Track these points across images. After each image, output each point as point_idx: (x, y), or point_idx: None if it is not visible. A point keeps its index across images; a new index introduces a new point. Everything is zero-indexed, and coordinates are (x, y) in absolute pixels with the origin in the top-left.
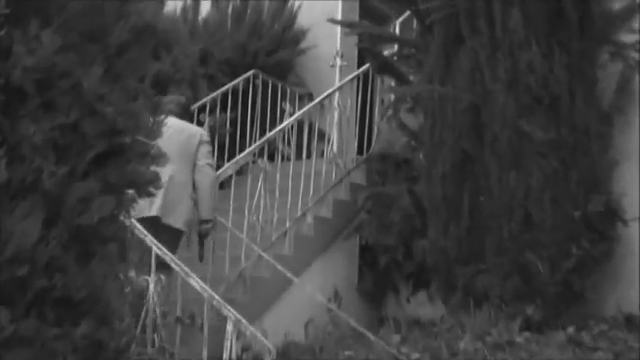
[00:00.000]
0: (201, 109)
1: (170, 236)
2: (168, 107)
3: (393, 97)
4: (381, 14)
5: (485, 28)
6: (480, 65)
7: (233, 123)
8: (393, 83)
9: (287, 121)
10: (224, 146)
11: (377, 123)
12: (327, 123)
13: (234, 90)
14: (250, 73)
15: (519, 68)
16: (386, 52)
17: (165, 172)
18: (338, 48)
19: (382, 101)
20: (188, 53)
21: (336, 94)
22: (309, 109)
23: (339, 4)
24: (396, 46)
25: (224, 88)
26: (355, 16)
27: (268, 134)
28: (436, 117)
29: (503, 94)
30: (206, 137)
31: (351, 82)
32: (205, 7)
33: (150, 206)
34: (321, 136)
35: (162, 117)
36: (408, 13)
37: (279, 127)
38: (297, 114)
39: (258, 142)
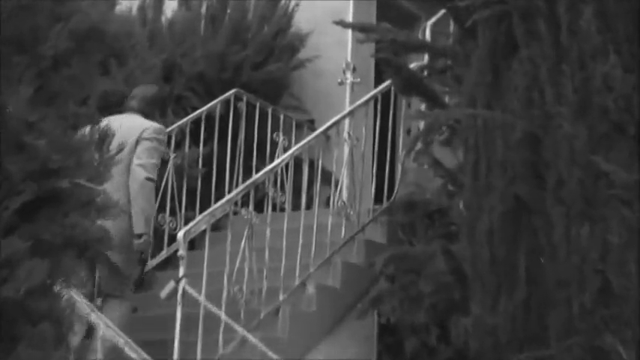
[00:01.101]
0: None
1: (102, 262)
2: (129, 103)
3: (422, 125)
4: (406, 15)
5: (547, 32)
6: (539, 82)
7: (208, 160)
8: (422, 107)
9: (280, 158)
10: (195, 191)
11: (401, 160)
12: (334, 160)
13: (210, 116)
14: (231, 93)
15: (593, 85)
16: (413, 65)
17: None
18: (348, 59)
19: (408, 131)
20: (148, 66)
21: (346, 122)
22: (309, 142)
23: (351, 1)
24: (426, 57)
25: (195, 114)
26: (372, 18)
27: (255, 176)
28: (481, 151)
29: (571, 121)
30: (151, 133)
31: (366, 105)
32: (171, 5)
33: None
34: (326, 178)
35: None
36: (441, 12)
37: (269, 167)
38: (294, 148)
39: (241, 187)
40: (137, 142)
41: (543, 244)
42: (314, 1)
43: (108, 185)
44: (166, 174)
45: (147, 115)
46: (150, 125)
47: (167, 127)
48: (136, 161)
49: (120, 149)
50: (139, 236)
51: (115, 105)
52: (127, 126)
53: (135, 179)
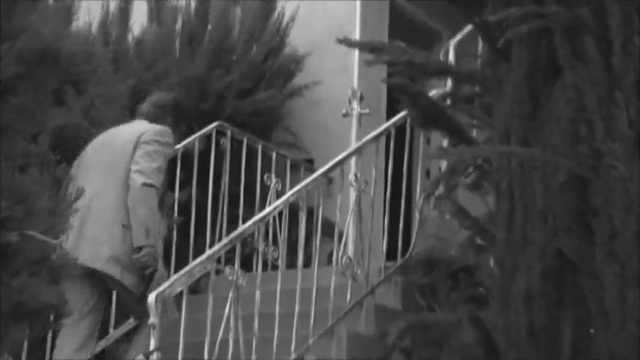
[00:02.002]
0: None
1: (114, 286)
2: (140, 109)
3: (444, 165)
4: (424, 32)
5: (596, 52)
6: (586, 112)
7: (184, 208)
8: (445, 143)
9: (272, 206)
10: (170, 246)
11: (419, 208)
12: (338, 208)
13: (187, 154)
14: (212, 126)
15: None
16: (433, 93)
17: (87, 195)
18: (355, 86)
19: (427, 172)
20: (111, 94)
21: (352, 162)
22: (307, 186)
23: (357, 14)
24: (449, 83)
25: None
26: (383, 35)
27: (242, 227)
28: (516, 198)
29: (626, 160)
30: (151, 135)
31: (376, 141)
32: (139, 21)
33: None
34: (329, 229)
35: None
36: (468, 29)
37: (259, 216)
38: (289, 193)
39: (225, 240)
40: (135, 148)
41: (593, 310)
42: (313, 15)
43: (106, 198)
44: None
45: (155, 121)
46: (150, 128)
47: None
48: (133, 167)
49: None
50: (139, 249)
51: (72, 141)
52: (125, 136)
53: (132, 187)
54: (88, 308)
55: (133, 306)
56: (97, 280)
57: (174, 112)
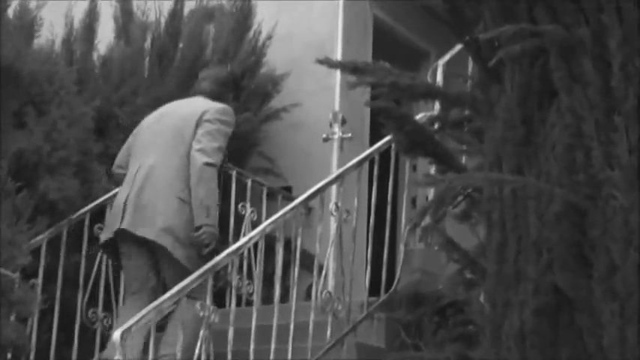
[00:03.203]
0: (98, 214)
1: (163, 258)
2: (200, 86)
3: (432, 193)
4: (411, 51)
5: (595, 74)
6: (584, 138)
7: None
8: (432, 170)
9: (247, 237)
10: None
11: (404, 239)
12: (318, 240)
13: None
14: None
15: None
16: (420, 117)
17: (144, 166)
18: (336, 109)
19: (413, 201)
20: (75, 117)
21: (333, 190)
22: (285, 216)
23: (339, 32)
24: (437, 106)
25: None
26: (367, 55)
27: (215, 259)
28: (509, 229)
29: (626, 190)
30: (213, 114)
31: (358, 167)
32: (105, 38)
33: (121, 217)
34: (307, 262)
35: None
36: (457, 48)
37: (233, 247)
38: (265, 223)
39: (196, 273)
40: (197, 125)
41: (590, 350)
42: (292, 33)
43: (164, 171)
44: (99, 256)
45: (218, 98)
46: (212, 106)
47: (101, 194)
48: (195, 146)
49: None
50: (198, 228)
51: (32, 166)
52: (186, 111)
53: (194, 166)
54: (146, 283)
55: (176, 279)
56: (153, 254)
57: (234, 88)
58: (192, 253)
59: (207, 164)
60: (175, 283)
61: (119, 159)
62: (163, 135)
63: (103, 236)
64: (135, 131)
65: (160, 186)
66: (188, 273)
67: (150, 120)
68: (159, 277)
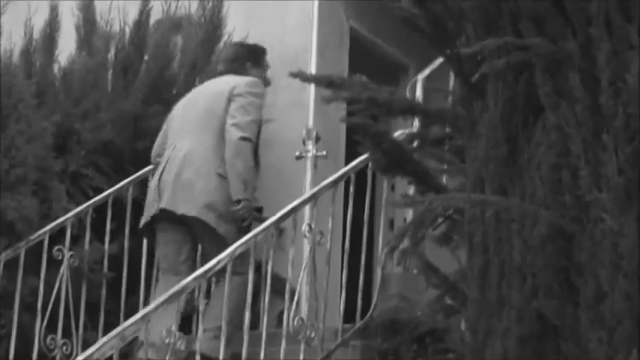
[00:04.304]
0: (57, 235)
1: (204, 235)
2: (218, 69)
3: (411, 214)
4: (389, 65)
5: (582, 90)
6: (571, 158)
7: (115, 262)
8: (411, 190)
9: (216, 259)
10: (98, 304)
11: (381, 263)
12: (290, 263)
13: (119, 201)
14: (149, 169)
15: None
16: (398, 134)
17: (181, 148)
18: (310, 125)
19: (391, 223)
20: (34, 132)
21: (306, 210)
22: (255, 238)
23: (314, 45)
24: (416, 123)
25: (99, 198)
26: (343, 68)
27: (181, 283)
28: (491, 253)
29: (615, 212)
30: (243, 87)
31: (333, 187)
32: (67, 49)
33: (160, 198)
34: (279, 287)
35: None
36: (438, 62)
37: (200, 270)
38: (235, 245)
39: (162, 297)
40: (229, 101)
41: None
42: (264, 45)
43: (201, 150)
44: (58, 280)
45: (237, 73)
46: (241, 80)
47: (62, 214)
48: (229, 121)
49: None
50: (237, 202)
51: None
52: (216, 88)
53: (229, 141)
54: (182, 259)
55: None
56: (188, 230)
57: (248, 57)
58: (233, 227)
59: (243, 138)
60: (214, 255)
61: (156, 148)
62: (196, 115)
63: (143, 220)
64: (168, 118)
65: (198, 164)
66: (227, 246)
67: (182, 104)
68: (194, 255)
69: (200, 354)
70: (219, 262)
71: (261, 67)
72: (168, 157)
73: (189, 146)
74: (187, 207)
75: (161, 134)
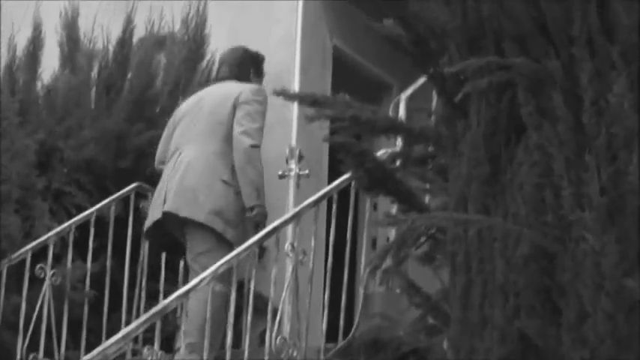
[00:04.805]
0: (40, 253)
1: (204, 238)
2: (221, 72)
3: (393, 234)
4: (372, 84)
5: (565, 110)
6: (553, 178)
7: (98, 280)
8: (393, 209)
9: (198, 278)
10: (80, 323)
11: (363, 282)
12: (273, 282)
13: (101, 219)
14: (131, 187)
15: (627, 183)
16: (381, 153)
17: (186, 154)
18: (293, 144)
19: (374, 242)
20: (17, 150)
21: (289, 229)
22: (238, 256)
23: (297, 63)
24: (399, 142)
25: (81, 216)
26: (326, 87)
27: (163, 302)
28: (474, 272)
29: (598, 232)
30: (248, 95)
31: (316, 206)
32: (50, 66)
33: (162, 202)
34: (261, 306)
35: None
36: (421, 81)
37: (182, 290)
38: (217, 264)
39: (143, 317)
40: (234, 107)
41: None
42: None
43: (205, 157)
44: (40, 298)
45: (239, 78)
46: (246, 87)
47: (44, 232)
48: (237, 129)
49: None
50: (251, 209)
51: None
52: (221, 94)
53: (239, 149)
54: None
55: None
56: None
57: (252, 64)
58: (239, 233)
59: (253, 146)
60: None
61: (159, 154)
62: (200, 121)
63: (146, 224)
64: (169, 123)
65: (201, 170)
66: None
67: (184, 109)
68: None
69: None
70: (201, 280)
71: (261, 76)
72: (174, 163)
73: (193, 153)
74: (190, 211)
75: (163, 140)
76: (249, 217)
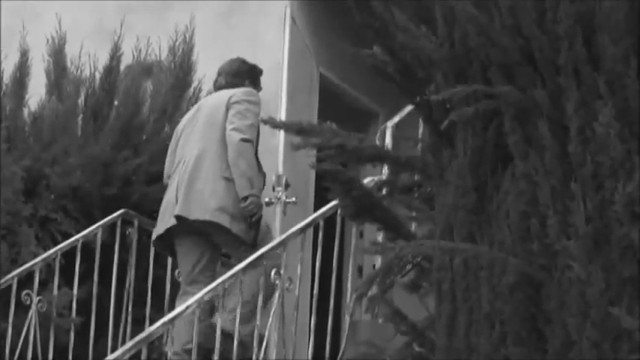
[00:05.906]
0: (26, 279)
1: (219, 237)
2: (218, 82)
3: (379, 261)
4: (359, 112)
5: (551, 139)
6: (539, 206)
7: (84, 307)
8: (379, 237)
9: (184, 305)
10: (66, 349)
11: (349, 310)
12: (258, 309)
13: (87, 246)
14: (118, 214)
15: (613, 212)
16: (368, 181)
17: (190, 160)
18: (279, 171)
19: (360, 270)
20: (4, 176)
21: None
22: (224, 283)
23: (283, 91)
24: (385, 170)
25: (68, 243)
26: (312, 115)
27: (150, 328)
28: (459, 300)
29: (583, 260)
30: (240, 96)
31: (302, 233)
32: (36, 93)
33: (174, 207)
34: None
35: None
36: (407, 109)
37: (169, 316)
38: (203, 291)
39: (130, 343)
40: (227, 109)
41: None
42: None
43: (206, 157)
44: (26, 324)
45: (236, 88)
46: (237, 90)
47: (30, 258)
48: (228, 126)
49: None
50: (245, 199)
51: None
52: (215, 101)
53: (230, 143)
54: (199, 269)
55: (242, 256)
56: (205, 238)
57: (249, 76)
58: (246, 226)
59: (244, 140)
60: (236, 257)
61: (167, 169)
62: (199, 127)
63: (156, 232)
64: (172, 138)
65: (205, 171)
66: (244, 243)
67: (184, 122)
68: (213, 266)
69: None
70: (187, 307)
71: (257, 88)
72: (180, 170)
73: (197, 156)
74: (199, 212)
75: (169, 153)
76: (243, 207)
